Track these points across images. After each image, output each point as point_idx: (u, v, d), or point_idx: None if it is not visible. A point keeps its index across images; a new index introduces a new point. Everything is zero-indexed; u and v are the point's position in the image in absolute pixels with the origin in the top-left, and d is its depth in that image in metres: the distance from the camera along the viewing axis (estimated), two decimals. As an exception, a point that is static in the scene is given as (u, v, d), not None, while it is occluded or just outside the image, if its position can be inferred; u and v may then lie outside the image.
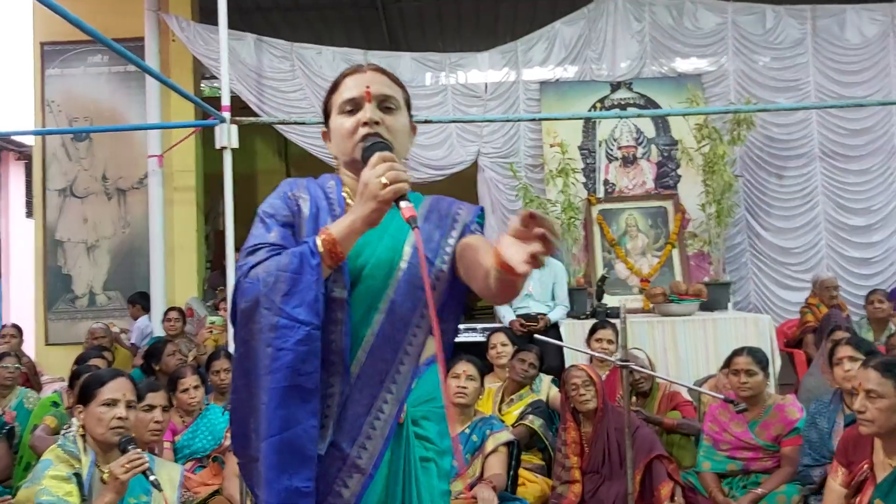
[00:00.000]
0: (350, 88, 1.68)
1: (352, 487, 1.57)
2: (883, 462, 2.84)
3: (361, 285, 1.61)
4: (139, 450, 2.60)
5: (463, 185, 7.41)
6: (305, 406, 1.50)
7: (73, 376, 4.22)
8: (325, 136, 1.78)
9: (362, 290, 1.60)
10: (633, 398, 4.41)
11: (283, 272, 1.51)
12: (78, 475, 2.60)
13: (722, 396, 3.52)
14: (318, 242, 1.52)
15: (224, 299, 6.77)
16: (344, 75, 1.73)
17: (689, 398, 4.48)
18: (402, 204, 1.44)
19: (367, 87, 1.65)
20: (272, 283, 1.51)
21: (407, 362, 1.62)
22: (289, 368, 1.48)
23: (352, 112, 1.66)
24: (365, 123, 1.63)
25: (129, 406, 2.75)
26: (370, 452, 1.57)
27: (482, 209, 1.81)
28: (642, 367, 4.36)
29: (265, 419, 1.51)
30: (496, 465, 3.66)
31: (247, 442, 1.59)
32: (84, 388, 2.78)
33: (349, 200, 1.70)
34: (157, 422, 3.31)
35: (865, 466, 2.93)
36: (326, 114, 1.76)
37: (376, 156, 1.49)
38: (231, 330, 5.82)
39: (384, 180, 1.44)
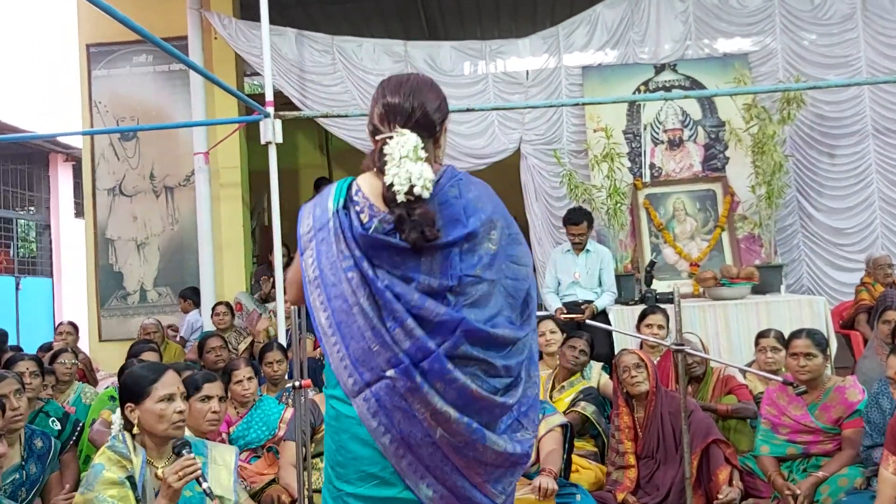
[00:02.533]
0: None
1: None
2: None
3: None
4: (192, 455, 2.55)
5: (506, 173, 7.36)
6: None
7: (121, 371, 4.30)
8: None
9: None
10: (689, 383, 4.37)
11: None
12: (131, 478, 2.58)
13: (781, 379, 3.45)
14: None
15: (271, 291, 6.83)
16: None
17: (743, 381, 4.41)
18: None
19: None
20: None
21: None
22: None
23: None
24: None
25: (183, 398, 2.74)
26: None
27: None
28: (696, 351, 4.31)
29: None
30: (551, 443, 3.64)
31: None
32: (134, 385, 2.72)
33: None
34: (214, 412, 3.34)
35: None
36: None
37: None
38: (282, 323, 5.89)
39: None
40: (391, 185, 1.72)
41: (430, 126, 1.85)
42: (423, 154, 1.75)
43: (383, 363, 1.72)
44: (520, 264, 1.85)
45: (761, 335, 4.55)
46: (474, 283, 1.76)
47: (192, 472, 2.49)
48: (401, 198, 1.71)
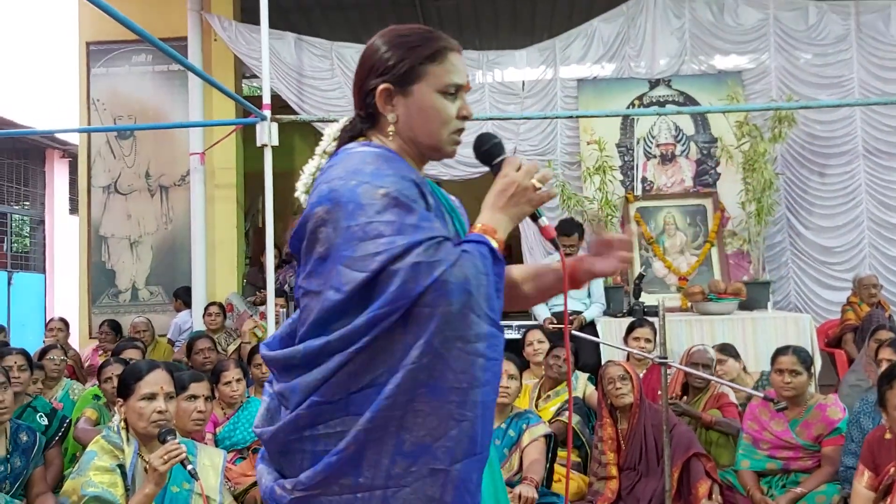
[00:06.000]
0: (458, 72, 1.51)
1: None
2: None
3: None
4: (177, 440, 2.64)
5: (500, 182, 7.39)
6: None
7: (99, 370, 4.33)
8: (391, 96, 1.50)
9: None
10: (686, 394, 4.42)
11: (482, 275, 1.32)
12: (122, 466, 2.66)
13: (762, 395, 3.49)
14: (495, 244, 1.37)
15: (264, 301, 6.82)
16: (449, 48, 1.52)
17: (734, 400, 4.42)
18: (542, 221, 1.44)
19: (468, 78, 1.53)
20: (476, 287, 1.30)
21: None
22: (497, 379, 1.35)
23: (453, 97, 1.51)
24: (465, 118, 1.52)
25: (167, 398, 2.79)
26: None
27: None
28: (706, 363, 4.33)
29: (468, 437, 1.31)
30: (534, 453, 3.68)
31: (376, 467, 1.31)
32: (123, 382, 2.83)
33: None
34: (199, 411, 3.37)
35: (893, 469, 2.90)
36: (407, 75, 1.49)
37: (529, 164, 1.44)
38: (272, 325, 5.89)
39: (537, 184, 1.40)
40: None
41: (358, 106, 1.56)
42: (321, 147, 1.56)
43: None
44: (353, 269, 1.31)
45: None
46: (304, 297, 1.41)
47: (176, 456, 2.56)
48: None
